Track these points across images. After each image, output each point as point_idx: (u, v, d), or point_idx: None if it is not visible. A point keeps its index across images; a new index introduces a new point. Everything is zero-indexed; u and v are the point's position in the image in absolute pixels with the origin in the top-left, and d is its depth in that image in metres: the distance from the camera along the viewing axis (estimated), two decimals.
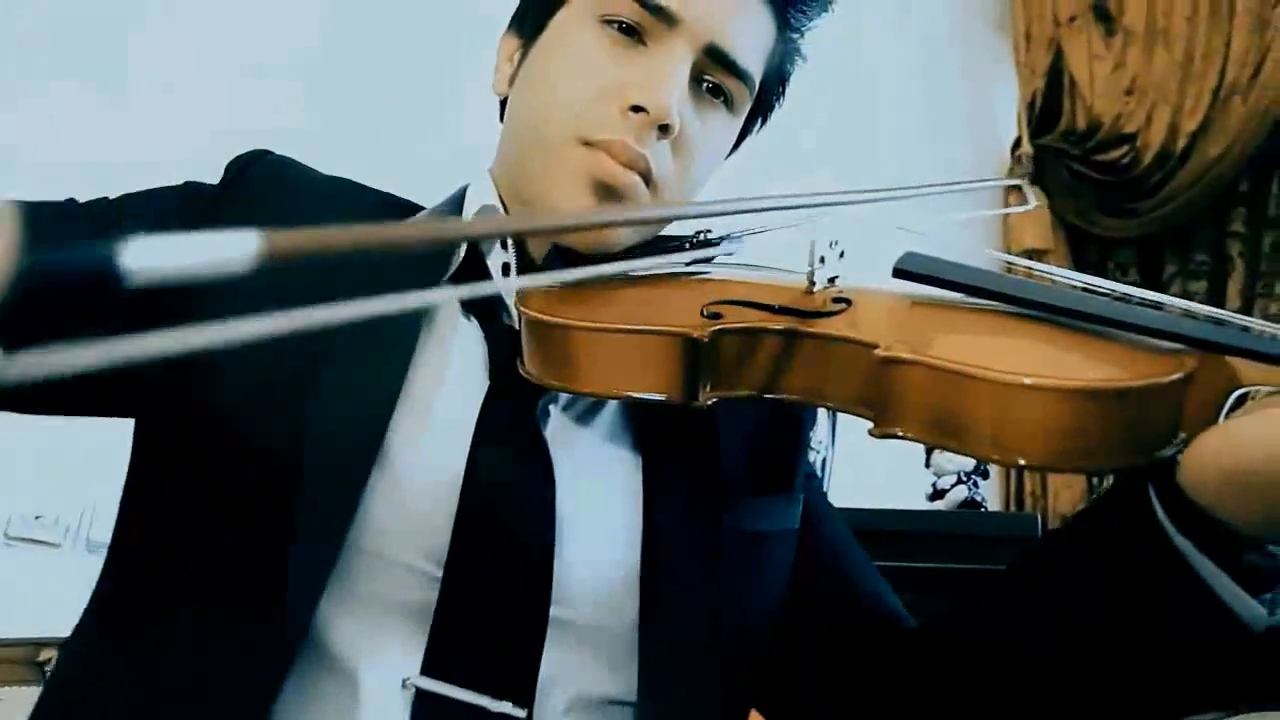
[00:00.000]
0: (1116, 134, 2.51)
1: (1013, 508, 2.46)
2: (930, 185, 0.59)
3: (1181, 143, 2.42)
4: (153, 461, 0.65)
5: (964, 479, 1.60)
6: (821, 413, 1.66)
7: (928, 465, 1.65)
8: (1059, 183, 2.61)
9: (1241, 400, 0.50)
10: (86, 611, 0.66)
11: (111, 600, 0.65)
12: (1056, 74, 2.62)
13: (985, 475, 1.65)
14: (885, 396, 0.54)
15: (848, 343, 0.56)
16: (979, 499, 1.62)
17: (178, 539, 0.61)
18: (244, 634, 0.56)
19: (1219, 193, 2.46)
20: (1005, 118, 2.71)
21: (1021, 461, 0.49)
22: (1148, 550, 0.50)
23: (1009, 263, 0.83)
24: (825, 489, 0.94)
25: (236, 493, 0.59)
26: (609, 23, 0.67)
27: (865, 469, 1.52)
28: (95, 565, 0.67)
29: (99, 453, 0.90)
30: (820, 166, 2.31)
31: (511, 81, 0.73)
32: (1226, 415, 0.49)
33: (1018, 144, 2.64)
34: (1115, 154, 2.51)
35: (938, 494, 1.61)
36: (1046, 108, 2.63)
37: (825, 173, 2.15)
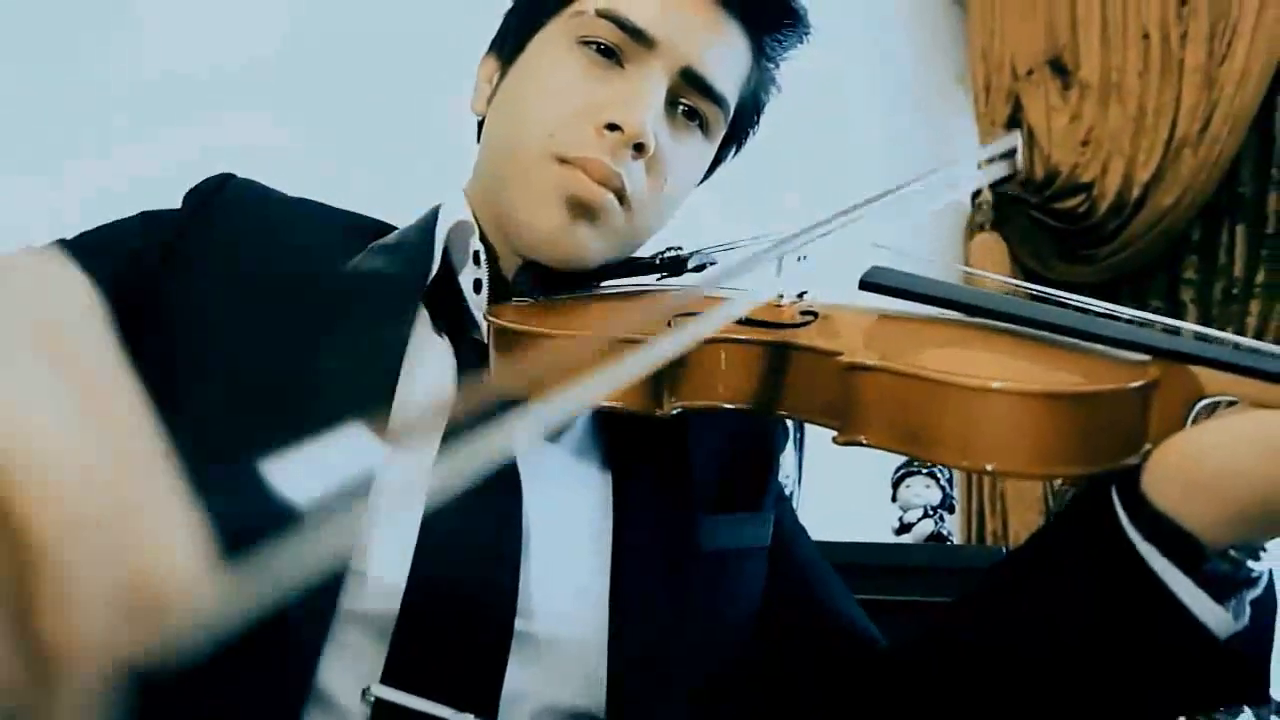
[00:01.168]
0: (1073, 183, 2.58)
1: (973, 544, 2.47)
2: (893, 190, 0.60)
3: (1136, 192, 2.49)
4: None
5: (930, 513, 1.60)
6: (789, 448, 1.66)
7: (894, 500, 1.65)
8: (1018, 229, 2.66)
9: (1210, 410, 0.50)
10: None
11: None
12: (1015, 125, 2.70)
13: (951, 509, 1.65)
14: (849, 404, 0.53)
15: (812, 351, 0.56)
16: (945, 533, 1.62)
17: None
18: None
19: (1172, 240, 2.52)
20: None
21: (989, 468, 0.49)
22: (1112, 557, 0.50)
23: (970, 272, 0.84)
24: None
25: None
26: (587, 44, 0.68)
27: (832, 503, 1.52)
28: None
29: None
30: (781, 216, 2.33)
31: (490, 101, 0.74)
32: (1192, 425, 0.50)
33: (978, 192, 2.70)
34: (1072, 202, 2.58)
35: (904, 528, 1.61)
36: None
37: (786, 223, 2.17)
